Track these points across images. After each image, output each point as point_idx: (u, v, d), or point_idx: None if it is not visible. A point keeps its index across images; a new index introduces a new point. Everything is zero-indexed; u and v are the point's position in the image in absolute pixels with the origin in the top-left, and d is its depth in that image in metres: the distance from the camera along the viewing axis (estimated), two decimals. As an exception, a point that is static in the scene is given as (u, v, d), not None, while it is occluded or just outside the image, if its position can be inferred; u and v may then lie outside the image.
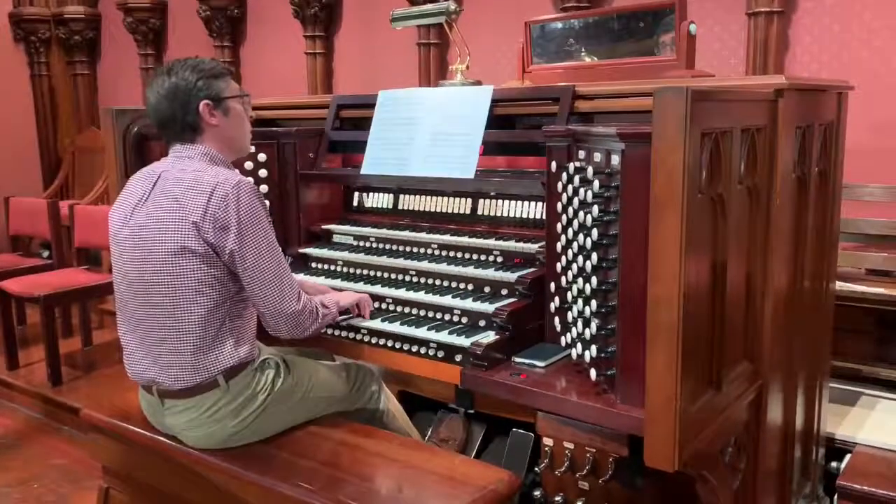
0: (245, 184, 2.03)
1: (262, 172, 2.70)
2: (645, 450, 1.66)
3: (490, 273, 2.30)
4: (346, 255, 2.65)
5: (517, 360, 2.08)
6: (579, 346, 1.96)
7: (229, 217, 1.98)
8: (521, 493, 2.11)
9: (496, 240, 2.39)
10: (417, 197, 2.69)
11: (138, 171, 2.23)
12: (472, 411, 2.50)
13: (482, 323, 2.22)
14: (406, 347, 2.24)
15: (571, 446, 1.94)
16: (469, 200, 2.57)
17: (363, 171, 2.65)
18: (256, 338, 2.19)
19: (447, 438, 2.57)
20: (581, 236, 1.91)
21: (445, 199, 2.62)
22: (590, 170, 1.87)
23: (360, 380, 2.38)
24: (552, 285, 2.12)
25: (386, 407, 2.44)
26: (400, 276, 2.51)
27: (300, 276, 2.61)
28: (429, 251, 2.53)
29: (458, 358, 2.13)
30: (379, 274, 2.57)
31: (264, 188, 2.69)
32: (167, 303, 2.01)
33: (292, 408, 2.18)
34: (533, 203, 2.42)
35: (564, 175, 2.05)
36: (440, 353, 2.17)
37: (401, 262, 2.50)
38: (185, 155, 2.13)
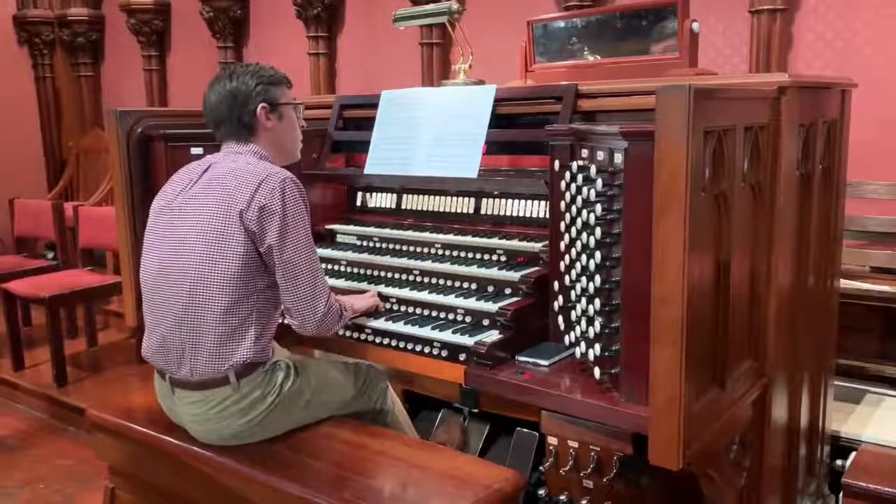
0: (293, 180, 2.08)
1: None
2: (649, 448, 1.66)
3: (493, 272, 2.30)
4: (349, 254, 2.65)
5: (521, 358, 2.08)
6: (583, 344, 1.96)
7: (274, 208, 2.02)
8: (525, 491, 2.11)
9: (499, 239, 2.39)
10: (421, 196, 2.70)
11: (188, 164, 2.27)
12: (476, 410, 2.51)
13: (486, 322, 2.22)
14: (410, 347, 2.24)
15: (576, 445, 1.94)
16: (472, 200, 2.57)
17: (366, 170, 2.66)
18: (275, 339, 2.20)
19: (451, 438, 2.57)
20: (584, 235, 1.91)
21: (449, 198, 2.62)
22: (593, 168, 1.87)
23: (368, 381, 2.38)
24: (556, 284, 2.12)
25: (391, 407, 2.45)
26: (403, 276, 2.51)
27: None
28: (432, 251, 2.53)
29: (462, 357, 2.13)
30: (382, 274, 2.57)
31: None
32: (197, 286, 2.03)
33: (299, 411, 2.19)
34: (536, 202, 2.42)
35: (567, 174, 2.05)
36: (444, 353, 2.17)
37: (404, 262, 2.51)
38: (238, 151, 2.20)
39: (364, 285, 2.50)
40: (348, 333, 2.36)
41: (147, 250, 2.19)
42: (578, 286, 1.97)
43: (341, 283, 2.55)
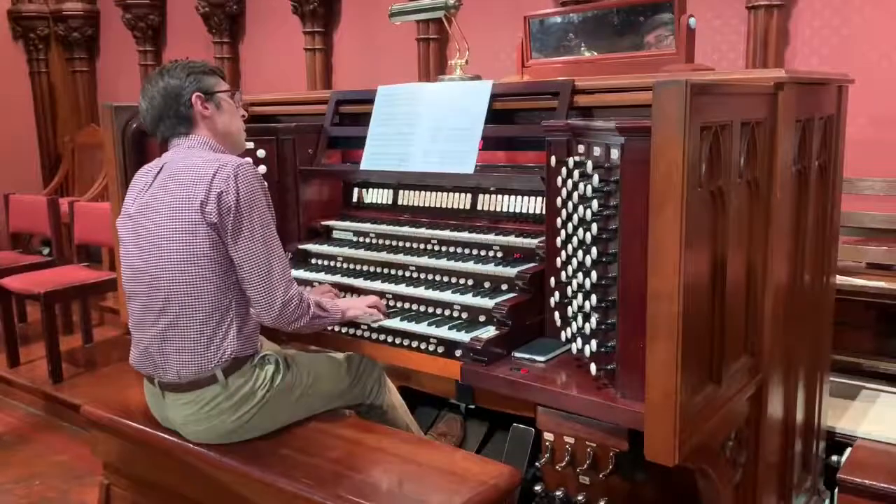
0: (246, 166, 2.05)
1: (262, 168, 2.69)
2: (645, 444, 1.66)
3: (490, 268, 2.30)
4: (345, 251, 2.65)
5: (517, 355, 2.08)
6: (579, 340, 1.96)
7: (229, 196, 1.99)
8: (521, 487, 2.11)
9: (496, 235, 2.39)
10: (417, 192, 2.69)
11: (140, 169, 2.25)
12: (472, 406, 2.50)
13: (482, 318, 2.22)
14: (406, 343, 2.24)
15: (572, 441, 1.94)
16: (469, 196, 2.57)
17: (362, 166, 2.65)
18: (262, 333, 2.19)
19: (447, 434, 2.57)
20: (581, 231, 1.91)
21: (445, 194, 2.62)
22: (589, 164, 1.87)
23: (362, 369, 2.37)
24: (552, 280, 2.12)
25: (388, 400, 2.44)
26: (400, 272, 2.51)
27: (301, 273, 2.61)
28: (428, 247, 2.53)
29: (458, 353, 2.12)
30: (379, 270, 2.56)
31: (264, 184, 2.68)
32: (172, 288, 2.02)
33: (292, 405, 2.18)
34: (532, 198, 2.41)
35: (564, 170, 2.04)
36: (440, 349, 2.17)
37: (400, 258, 2.50)
38: (186, 145, 2.17)
39: (360, 281, 2.49)
40: (344, 330, 2.36)
41: (121, 262, 2.18)
42: (575, 282, 1.97)
43: (338, 279, 2.55)
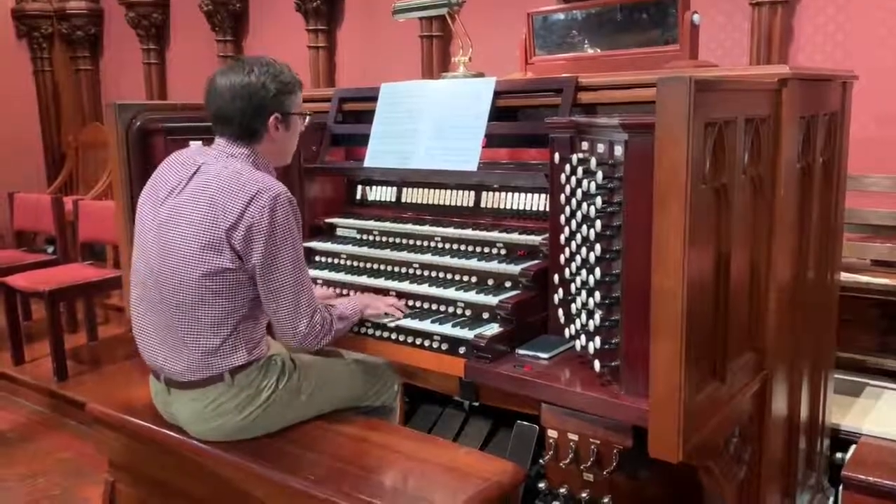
0: (285, 196, 2.01)
1: (265, 166, 2.70)
2: (649, 441, 1.66)
3: (493, 265, 2.30)
4: (349, 248, 2.65)
5: (521, 352, 2.08)
6: (583, 337, 1.95)
7: (262, 227, 1.95)
8: (525, 484, 2.11)
9: (499, 232, 2.39)
10: (420, 190, 2.69)
11: (173, 154, 2.19)
12: (476, 404, 2.50)
13: (486, 315, 2.22)
14: (410, 340, 2.24)
15: (576, 438, 1.94)
16: (472, 193, 2.57)
17: (366, 164, 2.65)
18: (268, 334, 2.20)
19: (451, 431, 2.57)
20: (584, 228, 1.91)
21: (448, 191, 2.62)
22: (593, 161, 1.87)
23: (383, 382, 2.39)
24: (556, 277, 2.12)
25: (395, 404, 2.45)
26: (403, 270, 2.51)
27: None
28: (432, 244, 2.53)
29: (462, 350, 2.13)
30: (382, 267, 2.56)
31: (267, 182, 2.68)
32: (186, 300, 2.01)
33: (298, 406, 2.18)
34: (536, 195, 2.41)
35: (567, 167, 2.04)
36: (444, 346, 2.17)
37: (404, 256, 2.50)
38: (231, 153, 2.10)
39: (364, 279, 2.50)
40: (348, 327, 2.36)
41: (136, 256, 2.15)
42: (578, 279, 1.96)
43: (341, 276, 2.55)
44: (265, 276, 1.99)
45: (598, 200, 1.81)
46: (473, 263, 2.34)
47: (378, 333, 2.31)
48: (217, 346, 2.03)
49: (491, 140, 2.43)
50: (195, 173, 2.06)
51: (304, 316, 2.04)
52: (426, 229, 2.54)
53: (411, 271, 2.49)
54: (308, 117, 2.29)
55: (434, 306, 2.33)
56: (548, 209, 2.19)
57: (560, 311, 2.12)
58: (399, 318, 2.29)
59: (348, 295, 2.46)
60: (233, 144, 2.11)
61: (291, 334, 2.05)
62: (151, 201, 2.13)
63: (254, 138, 2.11)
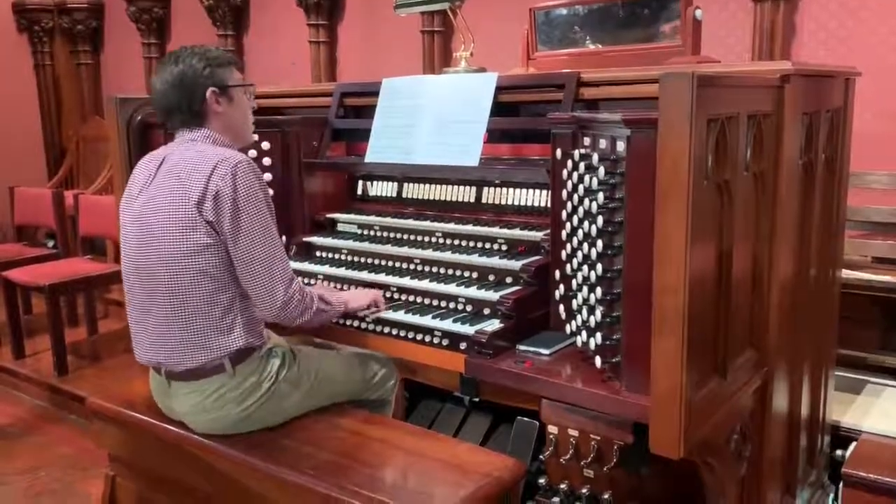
0: (245, 163, 2.03)
1: (266, 161, 2.69)
2: (650, 437, 1.66)
3: (495, 261, 2.29)
4: (350, 243, 2.64)
5: (522, 347, 2.07)
6: (584, 333, 1.95)
7: (227, 194, 1.98)
8: (525, 480, 2.11)
9: (501, 228, 2.38)
10: (421, 185, 2.69)
11: (144, 156, 2.23)
12: (476, 399, 2.50)
13: (487, 311, 2.21)
14: (410, 336, 2.24)
15: (576, 434, 1.94)
16: (473, 188, 2.56)
17: (367, 159, 2.65)
18: (267, 326, 2.19)
19: (452, 426, 2.57)
20: (586, 224, 1.90)
21: (450, 187, 2.61)
22: (595, 157, 1.86)
23: (381, 376, 2.39)
24: (557, 273, 2.12)
25: (391, 398, 2.45)
26: (404, 265, 2.51)
27: (305, 265, 2.61)
28: (433, 239, 2.52)
29: (463, 346, 2.12)
30: (383, 262, 2.56)
31: (268, 176, 2.67)
32: (175, 286, 2.01)
33: (298, 398, 2.18)
34: (537, 191, 2.41)
35: (569, 162, 2.04)
36: (445, 342, 2.17)
37: (405, 251, 2.50)
38: (190, 138, 2.14)
39: (365, 274, 2.49)
40: (349, 322, 2.36)
41: (124, 263, 2.17)
42: (580, 275, 1.96)
43: (342, 271, 2.55)
44: (236, 244, 2.00)
45: (600, 196, 1.80)
46: (474, 259, 2.34)
47: (378, 329, 2.30)
48: (213, 325, 2.03)
49: (492, 135, 2.43)
50: (161, 164, 2.11)
51: (280, 283, 2.03)
52: (427, 225, 2.53)
53: (412, 267, 2.49)
54: (252, 86, 2.27)
55: (435, 302, 2.33)
56: (549, 205, 2.18)
57: (561, 307, 2.12)
58: (379, 312, 2.29)
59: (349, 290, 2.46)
60: (188, 131, 2.15)
61: (269, 304, 2.04)
62: (127, 202, 2.16)
63: (203, 119, 2.14)
